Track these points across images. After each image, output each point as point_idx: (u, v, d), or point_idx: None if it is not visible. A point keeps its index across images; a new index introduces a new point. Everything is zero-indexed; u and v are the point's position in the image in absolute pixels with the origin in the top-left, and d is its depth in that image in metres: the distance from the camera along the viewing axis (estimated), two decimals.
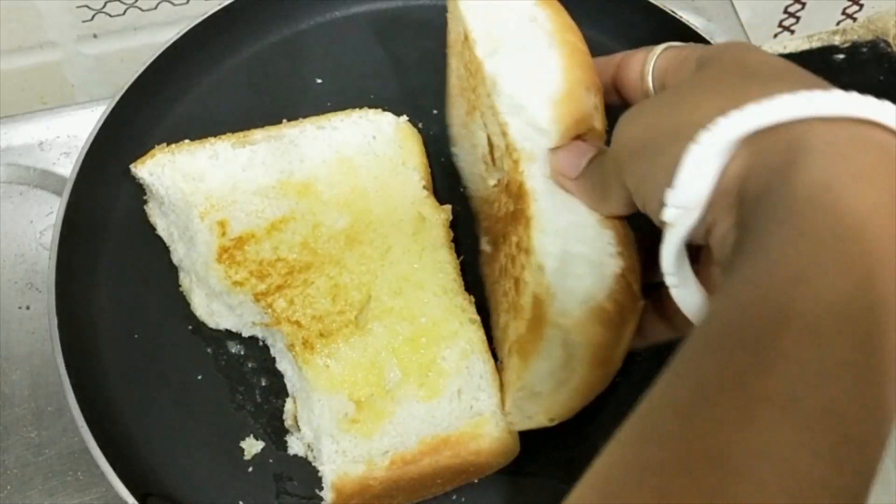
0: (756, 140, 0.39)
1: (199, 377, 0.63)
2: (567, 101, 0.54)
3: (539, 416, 0.55)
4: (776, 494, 0.31)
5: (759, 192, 0.38)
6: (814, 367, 0.33)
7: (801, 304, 0.34)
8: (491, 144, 0.60)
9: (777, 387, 0.32)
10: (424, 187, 0.66)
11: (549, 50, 0.55)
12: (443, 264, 0.62)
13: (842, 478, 0.32)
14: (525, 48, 0.56)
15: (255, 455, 0.61)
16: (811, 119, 0.37)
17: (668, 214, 0.42)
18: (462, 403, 0.58)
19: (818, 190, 0.36)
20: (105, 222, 0.67)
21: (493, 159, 0.60)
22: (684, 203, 0.41)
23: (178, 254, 0.65)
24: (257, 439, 0.61)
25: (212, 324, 0.64)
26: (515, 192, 0.56)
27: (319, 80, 0.74)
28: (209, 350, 0.64)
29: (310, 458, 0.60)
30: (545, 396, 0.54)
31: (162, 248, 0.66)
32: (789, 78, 0.41)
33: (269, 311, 0.60)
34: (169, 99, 0.71)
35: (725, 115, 0.39)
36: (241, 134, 0.67)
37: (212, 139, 0.67)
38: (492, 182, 0.61)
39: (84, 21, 0.80)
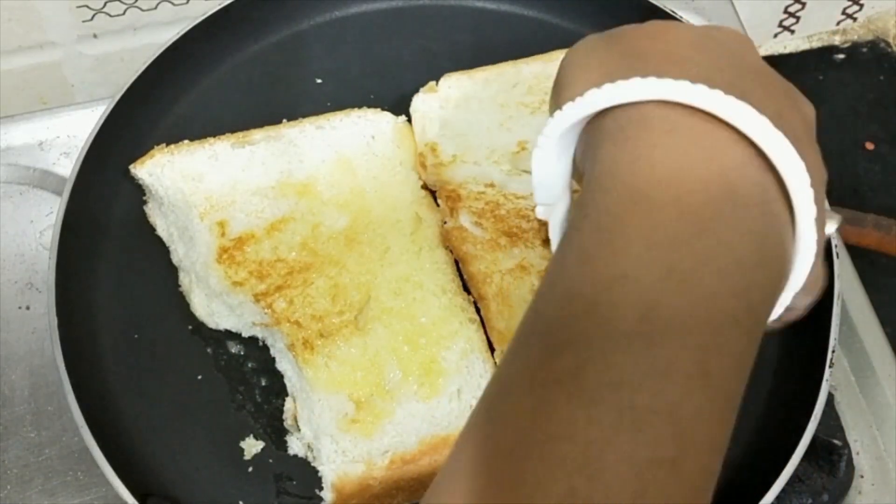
0: (592, 124, 0.39)
1: (199, 377, 0.63)
2: None
3: None
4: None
5: (584, 175, 0.39)
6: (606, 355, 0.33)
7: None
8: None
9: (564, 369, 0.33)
10: (423, 187, 0.66)
11: None
12: (441, 264, 0.62)
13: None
14: None
15: (255, 455, 0.61)
16: (625, 104, 0.37)
17: (538, 212, 0.44)
18: (462, 403, 0.58)
19: (606, 178, 0.36)
20: (105, 222, 0.67)
21: None
22: (546, 200, 0.42)
23: (178, 254, 0.65)
24: (257, 439, 0.61)
25: (212, 324, 0.64)
26: None
27: (319, 80, 0.74)
28: (209, 350, 0.64)
29: (309, 459, 0.60)
30: None
31: (162, 248, 0.66)
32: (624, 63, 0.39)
33: (269, 311, 0.60)
34: (169, 99, 0.71)
35: (561, 108, 0.39)
36: (240, 134, 0.67)
37: (211, 139, 0.67)
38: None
39: (84, 21, 0.80)
